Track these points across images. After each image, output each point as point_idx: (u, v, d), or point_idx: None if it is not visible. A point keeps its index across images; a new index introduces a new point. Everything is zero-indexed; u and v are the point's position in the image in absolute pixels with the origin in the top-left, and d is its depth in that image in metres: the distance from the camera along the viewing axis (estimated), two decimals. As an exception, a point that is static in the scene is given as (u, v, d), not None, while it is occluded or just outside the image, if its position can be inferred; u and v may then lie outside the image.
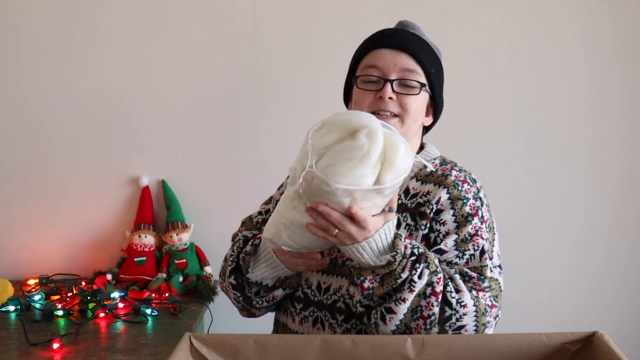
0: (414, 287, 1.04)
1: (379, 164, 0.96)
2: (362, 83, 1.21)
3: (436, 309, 1.06)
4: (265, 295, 1.24)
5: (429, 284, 1.06)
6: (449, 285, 1.09)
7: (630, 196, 2.12)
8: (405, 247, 1.05)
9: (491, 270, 1.16)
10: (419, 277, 1.05)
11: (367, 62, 1.22)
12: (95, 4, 2.02)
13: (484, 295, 1.13)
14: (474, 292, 1.12)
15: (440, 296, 1.06)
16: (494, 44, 2.04)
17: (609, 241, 2.14)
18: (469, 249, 1.16)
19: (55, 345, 1.55)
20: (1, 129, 2.09)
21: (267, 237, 1.09)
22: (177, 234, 2.05)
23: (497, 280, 1.17)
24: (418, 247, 1.07)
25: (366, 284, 1.06)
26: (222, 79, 2.07)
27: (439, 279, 1.07)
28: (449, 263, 1.15)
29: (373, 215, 1.01)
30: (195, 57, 2.05)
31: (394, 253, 1.03)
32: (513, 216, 2.12)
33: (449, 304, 1.07)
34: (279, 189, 1.39)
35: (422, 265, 1.06)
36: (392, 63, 1.18)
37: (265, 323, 1.42)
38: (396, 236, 1.05)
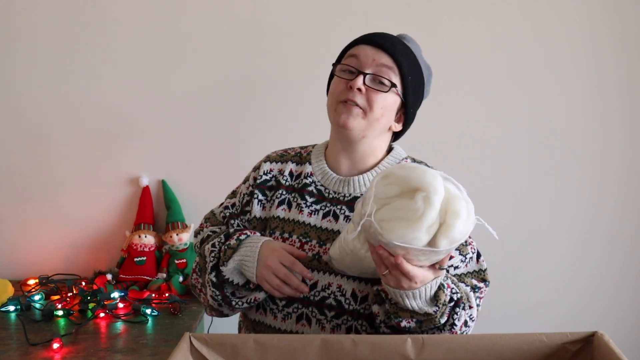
0: (454, 329, 1.10)
1: (437, 224, 0.96)
2: (339, 72, 1.24)
3: (459, 333, 1.13)
4: (245, 297, 1.24)
5: (462, 321, 1.12)
6: (468, 309, 1.15)
7: (630, 196, 2.12)
8: (446, 296, 1.07)
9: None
10: (459, 319, 1.10)
11: (350, 52, 1.25)
12: (95, 4, 2.02)
13: (480, 300, 1.22)
14: (477, 301, 1.20)
15: (463, 325, 1.13)
16: (493, 44, 2.04)
17: (609, 241, 2.14)
18: (469, 252, 1.24)
19: (55, 345, 1.55)
20: (0, 129, 2.09)
21: (332, 257, 1.13)
22: (177, 234, 2.05)
23: None
24: (457, 292, 1.10)
25: (403, 324, 1.09)
26: (223, 78, 2.06)
27: (466, 311, 1.13)
28: (455, 268, 1.22)
29: (425, 267, 1.03)
30: (195, 57, 2.05)
31: (436, 308, 1.06)
32: (513, 216, 2.12)
33: (466, 324, 1.14)
34: (244, 183, 1.39)
35: (460, 309, 1.10)
36: (370, 58, 1.21)
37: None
38: (440, 287, 1.06)
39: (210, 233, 1.35)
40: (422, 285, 1.03)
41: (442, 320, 1.08)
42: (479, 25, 2.03)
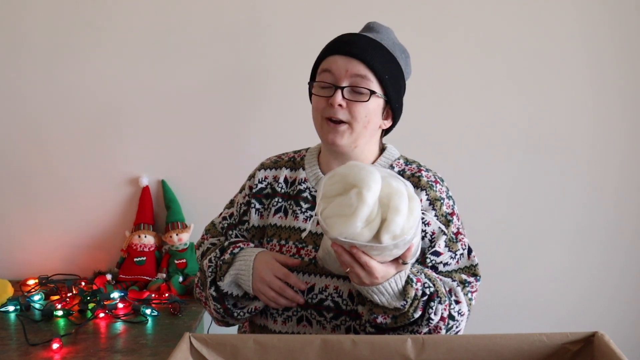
0: (431, 323, 1.11)
1: (378, 220, 0.98)
2: (317, 89, 1.25)
3: (444, 330, 1.14)
4: (245, 307, 1.27)
5: (442, 315, 1.12)
6: (452, 303, 1.16)
7: (629, 196, 2.12)
8: (416, 290, 1.08)
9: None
10: (435, 313, 1.11)
11: (323, 65, 1.25)
12: (95, 3, 2.02)
13: (472, 294, 1.23)
14: (468, 295, 1.21)
15: (447, 318, 1.14)
16: (493, 45, 2.04)
17: (609, 241, 2.14)
18: (459, 249, 1.24)
19: (55, 346, 1.55)
20: (1, 129, 2.09)
21: (318, 257, 1.15)
22: (177, 234, 2.04)
23: None
24: (430, 287, 1.11)
25: (379, 320, 1.11)
26: (222, 79, 2.06)
27: (447, 305, 1.14)
28: (445, 264, 1.23)
29: (386, 263, 1.04)
30: (195, 57, 2.05)
31: (404, 302, 1.07)
32: (513, 216, 2.12)
33: (452, 318, 1.15)
34: (240, 192, 1.41)
35: (435, 303, 1.11)
36: (344, 69, 1.21)
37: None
38: (407, 281, 1.08)
39: (209, 246, 1.37)
40: (384, 281, 1.04)
41: (416, 315, 1.09)
42: (478, 26, 2.03)
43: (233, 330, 1.50)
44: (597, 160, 2.10)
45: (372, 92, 1.21)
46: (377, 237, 0.98)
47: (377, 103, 1.23)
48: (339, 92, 1.19)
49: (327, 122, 1.22)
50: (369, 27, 1.31)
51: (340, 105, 1.19)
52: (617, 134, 2.09)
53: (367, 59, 1.20)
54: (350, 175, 1.00)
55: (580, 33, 2.03)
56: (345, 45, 1.23)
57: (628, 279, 2.16)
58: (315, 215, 1.00)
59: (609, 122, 2.08)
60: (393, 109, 1.27)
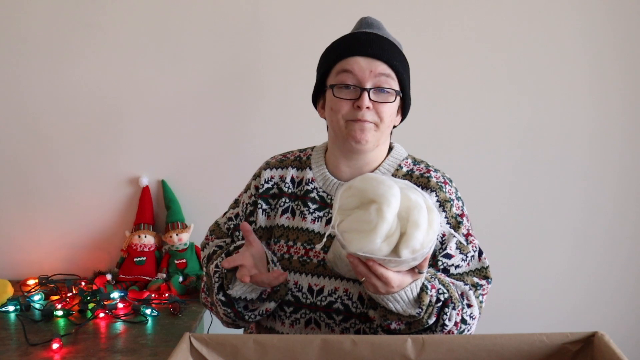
0: (445, 328, 1.11)
1: (397, 233, 0.97)
2: (338, 91, 1.20)
3: (457, 333, 1.13)
4: (257, 309, 1.25)
5: (455, 320, 1.12)
6: (464, 307, 1.15)
7: (629, 196, 2.12)
8: (431, 297, 1.08)
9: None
10: (449, 319, 1.11)
11: (342, 66, 1.21)
12: (95, 3, 2.02)
13: (483, 297, 1.21)
14: (480, 298, 1.20)
15: (460, 323, 1.14)
16: (493, 44, 2.04)
17: (609, 241, 2.14)
18: (470, 251, 1.23)
19: (55, 346, 1.55)
20: (0, 128, 2.09)
21: (329, 260, 1.15)
22: (176, 234, 2.04)
23: None
24: (444, 292, 1.11)
25: (393, 326, 1.10)
26: (223, 78, 2.06)
27: (460, 309, 1.13)
28: (457, 267, 1.22)
29: (402, 272, 1.03)
30: (195, 56, 2.05)
31: (419, 310, 1.07)
32: (514, 216, 2.12)
33: (465, 322, 1.15)
34: (246, 192, 1.38)
35: (449, 308, 1.10)
36: (367, 70, 1.19)
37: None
38: (422, 288, 1.07)
39: (215, 248, 1.34)
40: (400, 289, 1.04)
41: (430, 321, 1.08)
42: (479, 25, 2.03)
43: (234, 330, 1.49)
44: (597, 160, 2.10)
45: (397, 92, 1.21)
46: (395, 250, 0.97)
47: (397, 102, 1.23)
48: (365, 94, 1.17)
49: (353, 122, 1.19)
50: (369, 23, 1.29)
51: (368, 107, 1.18)
52: (618, 134, 2.09)
53: (389, 59, 1.20)
54: (368, 189, 0.99)
55: (580, 32, 2.03)
56: (367, 46, 1.20)
57: (628, 279, 2.16)
58: (332, 228, 1.00)
59: (609, 122, 2.08)
60: (405, 105, 1.27)
